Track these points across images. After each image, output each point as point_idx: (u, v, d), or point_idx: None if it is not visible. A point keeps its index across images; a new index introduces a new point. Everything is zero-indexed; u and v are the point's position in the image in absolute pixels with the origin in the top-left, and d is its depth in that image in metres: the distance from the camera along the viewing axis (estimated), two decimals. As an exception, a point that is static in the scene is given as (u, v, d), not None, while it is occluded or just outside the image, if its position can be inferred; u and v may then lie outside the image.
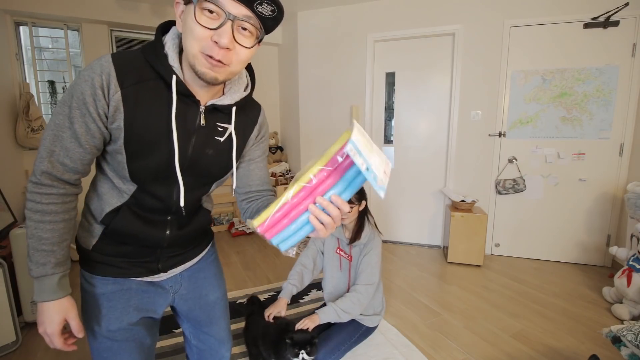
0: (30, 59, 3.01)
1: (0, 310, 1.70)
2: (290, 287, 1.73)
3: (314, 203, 0.58)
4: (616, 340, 1.37)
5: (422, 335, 1.91)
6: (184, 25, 0.64)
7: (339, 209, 0.58)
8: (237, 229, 3.66)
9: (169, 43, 0.69)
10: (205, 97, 0.73)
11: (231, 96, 0.76)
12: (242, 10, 0.61)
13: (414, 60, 3.17)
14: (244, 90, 0.80)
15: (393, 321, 2.03)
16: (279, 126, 4.27)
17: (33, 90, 2.98)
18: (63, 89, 3.16)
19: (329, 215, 0.58)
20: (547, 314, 2.13)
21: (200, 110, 0.73)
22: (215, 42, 0.61)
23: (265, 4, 0.61)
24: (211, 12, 0.60)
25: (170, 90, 0.68)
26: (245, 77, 0.82)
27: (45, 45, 3.18)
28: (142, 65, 0.67)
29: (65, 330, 0.75)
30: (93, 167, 0.77)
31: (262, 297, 2.23)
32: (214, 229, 3.79)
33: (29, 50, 3.01)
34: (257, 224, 0.59)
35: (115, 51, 3.31)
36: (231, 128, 0.78)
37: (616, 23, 2.58)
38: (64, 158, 0.67)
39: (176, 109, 0.69)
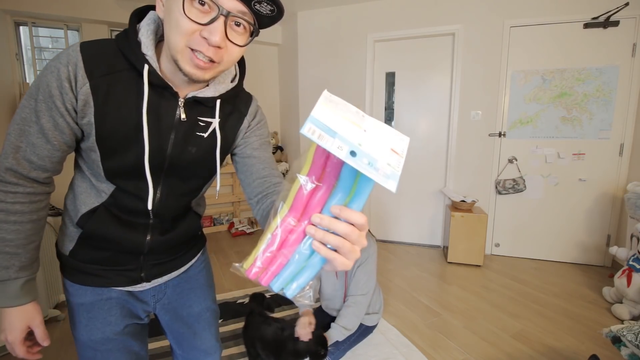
0: (30, 59, 3.01)
1: None
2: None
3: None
4: (616, 340, 1.37)
5: (422, 335, 1.91)
6: (167, 15, 0.57)
7: (350, 222, 0.40)
8: (237, 229, 3.66)
9: (144, 29, 0.63)
10: (185, 89, 0.67)
11: (215, 87, 0.68)
12: (237, 6, 0.55)
13: (414, 60, 3.17)
14: (232, 82, 0.72)
15: (393, 321, 2.03)
16: (279, 126, 4.27)
17: (33, 90, 2.98)
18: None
19: (338, 234, 0.40)
20: (547, 314, 2.13)
21: (179, 103, 0.66)
22: (205, 38, 0.55)
23: (265, 3, 0.56)
24: (202, 3, 0.54)
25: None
26: (233, 67, 0.73)
27: (45, 45, 3.17)
28: (114, 54, 0.61)
29: (30, 337, 0.70)
30: (70, 165, 0.72)
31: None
32: (214, 229, 3.79)
33: (29, 50, 3.01)
34: (246, 267, 0.43)
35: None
36: (215, 123, 0.71)
37: (616, 23, 2.58)
38: (31, 155, 0.62)
39: (149, 102, 0.62)
